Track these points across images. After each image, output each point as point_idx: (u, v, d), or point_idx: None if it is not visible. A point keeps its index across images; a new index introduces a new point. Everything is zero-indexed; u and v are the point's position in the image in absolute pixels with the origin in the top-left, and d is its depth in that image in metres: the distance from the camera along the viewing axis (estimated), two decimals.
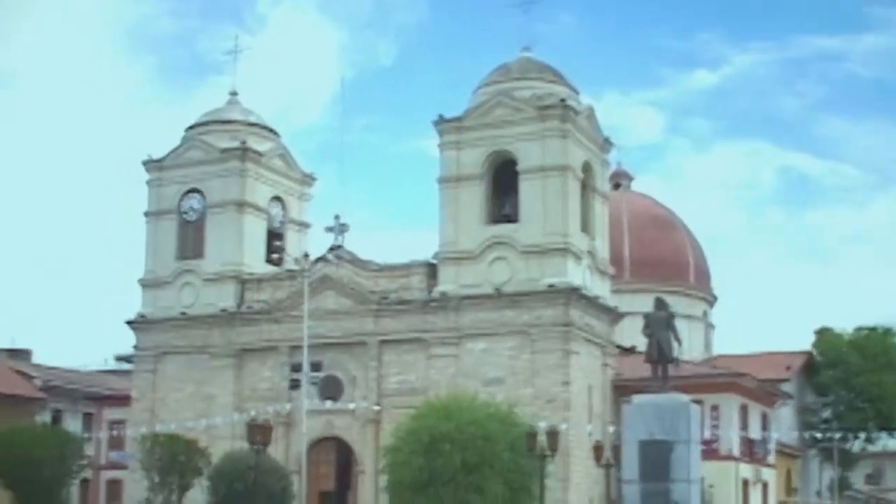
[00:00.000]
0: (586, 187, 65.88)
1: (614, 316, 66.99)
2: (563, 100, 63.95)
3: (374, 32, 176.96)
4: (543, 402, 60.28)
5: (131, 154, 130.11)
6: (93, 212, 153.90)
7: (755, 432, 69.38)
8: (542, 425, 52.66)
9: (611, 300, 67.37)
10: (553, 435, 51.54)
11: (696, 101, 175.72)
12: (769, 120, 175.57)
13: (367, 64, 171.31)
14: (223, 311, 69.70)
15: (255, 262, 71.69)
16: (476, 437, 46.83)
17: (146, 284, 72.72)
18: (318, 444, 64.78)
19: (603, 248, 67.57)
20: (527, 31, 68.98)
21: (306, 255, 64.31)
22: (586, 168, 65.70)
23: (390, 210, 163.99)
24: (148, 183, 73.89)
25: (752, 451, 68.40)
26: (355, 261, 67.49)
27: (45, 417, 76.00)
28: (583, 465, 60.21)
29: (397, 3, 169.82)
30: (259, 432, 45.90)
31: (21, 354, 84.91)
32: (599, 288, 65.95)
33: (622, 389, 59.38)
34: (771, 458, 72.03)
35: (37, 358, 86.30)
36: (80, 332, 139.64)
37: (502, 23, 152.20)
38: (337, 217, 68.61)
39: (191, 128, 74.74)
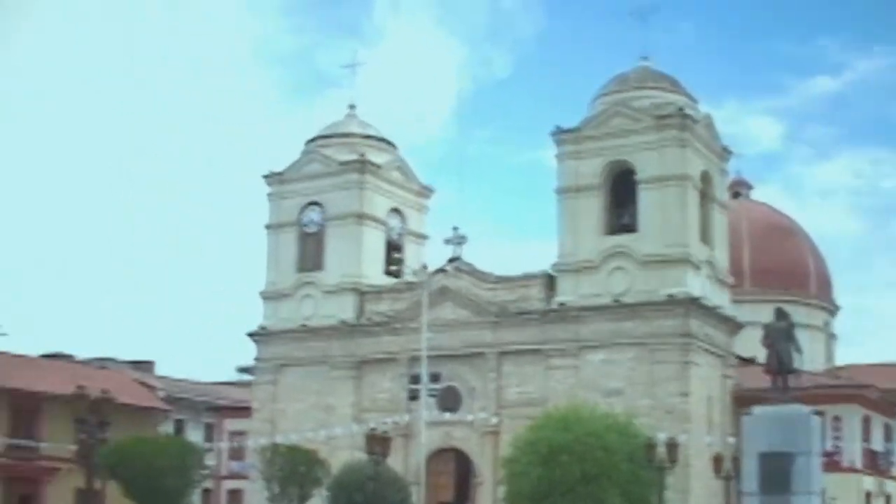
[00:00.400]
0: (705, 196, 65.45)
1: (734, 326, 66.40)
2: (681, 108, 63.63)
3: (492, 45, 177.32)
4: (662, 412, 59.93)
5: (254, 167, 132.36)
6: (215, 224, 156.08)
7: (878, 444, 68.28)
8: (662, 436, 52.26)
9: (730, 310, 66.77)
10: (672, 446, 51.21)
11: (817, 108, 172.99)
12: (892, 126, 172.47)
13: (484, 76, 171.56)
14: (343, 322, 70.25)
15: (374, 273, 72.15)
16: (595, 449, 46.64)
17: (267, 296, 73.56)
18: (436, 455, 65.01)
19: (722, 258, 67.04)
20: (644, 39, 68.83)
21: (425, 267, 64.70)
22: (705, 177, 65.30)
23: (508, 221, 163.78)
24: (269, 196, 74.78)
25: (875, 463, 67.34)
26: (474, 272, 67.65)
27: (168, 428, 77.00)
28: (702, 477, 59.67)
29: (515, 16, 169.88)
30: (378, 443, 46.24)
31: (145, 366, 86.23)
32: (719, 298, 65.43)
33: (742, 400, 58.85)
34: (895, 471, 70.85)
35: (160, 369, 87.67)
36: (203, 343, 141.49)
37: (620, 32, 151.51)
38: (455, 228, 68.87)
39: (310, 141, 75.57)
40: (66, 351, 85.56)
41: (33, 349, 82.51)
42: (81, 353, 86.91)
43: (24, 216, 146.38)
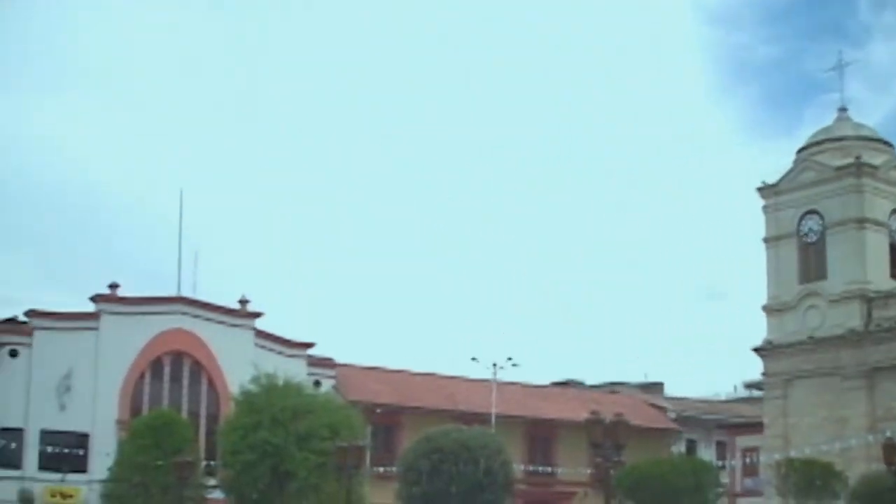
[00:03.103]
0: None
1: None
2: None
3: None
4: None
5: (743, 180, 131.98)
6: (711, 241, 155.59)
7: None
8: None
9: None
10: None
11: None
12: None
13: None
14: (851, 331, 68.41)
15: (879, 278, 69.86)
16: None
17: (770, 310, 72.58)
18: None
19: None
20: None
21: None
22: None
23: None
24: (764, 208, 73.86)
25: None
26: None
27: (679, 447, 77.44)
28: None
29: None
30: None
31: (653, 388, 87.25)
32: None
33: None
34: None
35: (668, 390, 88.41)
36: (709, 361, 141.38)
37: None
38: None
39: (802, 149, 74.19)
40: (577, 378, 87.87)
41: (545, 378, 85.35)
42: (591, 379, 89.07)
43: (529, 252, 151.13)
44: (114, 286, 69.35)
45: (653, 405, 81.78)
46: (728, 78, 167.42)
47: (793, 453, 62.92)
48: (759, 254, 73.74)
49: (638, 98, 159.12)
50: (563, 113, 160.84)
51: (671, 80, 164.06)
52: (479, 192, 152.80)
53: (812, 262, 71.79)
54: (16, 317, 68.14)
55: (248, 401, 52.79)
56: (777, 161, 76.35)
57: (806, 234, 72.07)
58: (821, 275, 71.06)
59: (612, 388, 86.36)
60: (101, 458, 61.77)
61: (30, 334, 66.58)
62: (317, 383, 67.98)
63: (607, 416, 42.12)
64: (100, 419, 66.69)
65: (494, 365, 65.83)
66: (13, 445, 65.13)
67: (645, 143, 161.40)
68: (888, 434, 54.03)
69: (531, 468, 69.52)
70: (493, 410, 65.15)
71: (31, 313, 67.42)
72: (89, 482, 64.42)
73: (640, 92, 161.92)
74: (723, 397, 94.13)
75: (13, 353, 66.11)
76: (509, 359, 66.16)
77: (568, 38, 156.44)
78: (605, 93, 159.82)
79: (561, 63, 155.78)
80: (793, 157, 74.52)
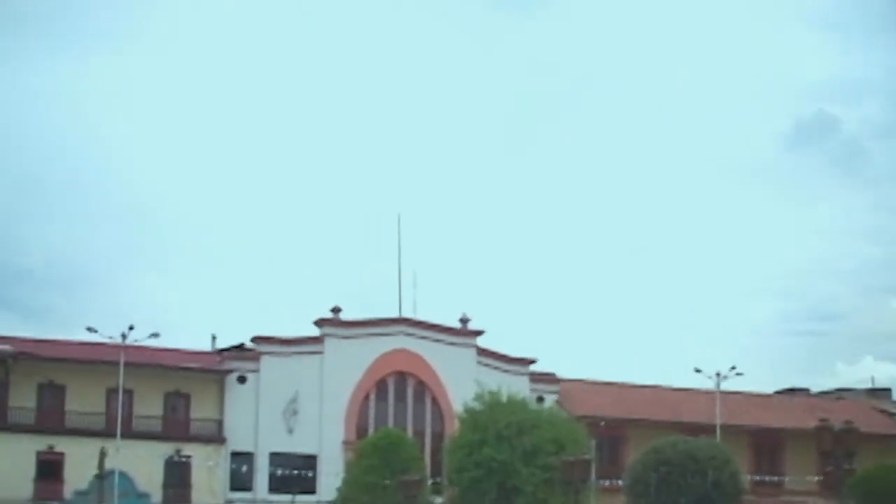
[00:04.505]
0: None
1: None
2: None
3: None
4: None
5: None
6: None
7: None
8: None
9: None
10: None
11: None
12: None
13: None
14: None
15: None
16: None
17: None
18: None
19: None
20: None
21: None
22: None
23: None
24: None
25: None
26: None
27: None
28: None
29: None
30: None
31: (881, 393, 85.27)
32: None
33: None
34: None
35: None
36: None
37: None
38: None
39: None
40: (802, 385, 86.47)
41: (770, 386, 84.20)
42: (816, 387, 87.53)
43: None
44: (336, 310, 70.71)
45: (881, 410, 79.84)
46: None
47: None
48: None
49: (842, 91, 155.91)
50: (769, 109, 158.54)
51: (876, 70, 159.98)
52: (691, 201, 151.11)
53: None
54: (243, 343, 70.02)
55: (472, 418, 53.26)
56: None
57: None
58: None
59: (839, 394, 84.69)
60: (330, 478, 63.01)
61: (257, 360, 68.40)
62: (540, 399, 68.12)
63: (836, 423, 41.51)
64: (327, 441, 68.06)
65: (718, 375, 65.07)
66: (244, 469, 66.96)
67: (853, 141, 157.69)
68: None
69: (758, 478, 68.47)
70: (718, 421, 64.33)
71: (257, 339, 69.23)
72: (318, 503, 65.68)
73: (840, 84, 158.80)
74: None
75: (241, 379, 67.96)
76: (733, 368, 65.34)
77: (768, 33, 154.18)
78: (816, 88, 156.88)
79: (758, 55, 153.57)
80: None
